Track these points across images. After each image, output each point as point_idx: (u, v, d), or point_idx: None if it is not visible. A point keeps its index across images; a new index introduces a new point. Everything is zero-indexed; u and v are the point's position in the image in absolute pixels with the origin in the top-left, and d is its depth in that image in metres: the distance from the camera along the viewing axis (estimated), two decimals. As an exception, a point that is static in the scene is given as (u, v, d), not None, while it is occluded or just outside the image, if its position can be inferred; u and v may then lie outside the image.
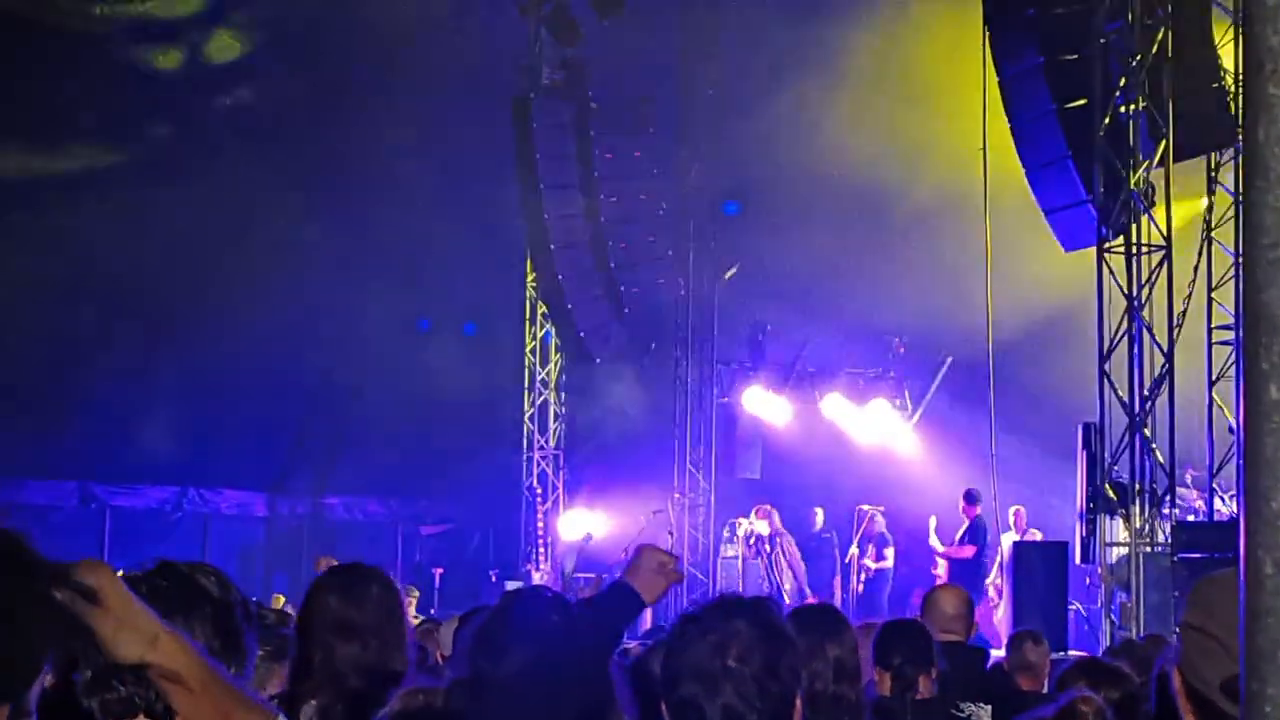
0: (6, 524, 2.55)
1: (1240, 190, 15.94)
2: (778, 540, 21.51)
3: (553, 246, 22.95)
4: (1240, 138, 15.56)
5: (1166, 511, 16.34)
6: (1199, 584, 3.15)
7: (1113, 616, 16.15)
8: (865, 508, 22.29)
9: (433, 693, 4.87)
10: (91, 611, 2.86)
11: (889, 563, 21.95)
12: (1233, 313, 16.95)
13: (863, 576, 21.97)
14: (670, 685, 3.39)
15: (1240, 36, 16.08)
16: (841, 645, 5.44)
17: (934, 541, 19.87)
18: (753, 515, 21.84)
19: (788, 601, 19.72)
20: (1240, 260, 16.02)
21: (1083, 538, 16.47)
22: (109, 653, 2.92)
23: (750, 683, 3.31)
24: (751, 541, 21.69)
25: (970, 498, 19.51)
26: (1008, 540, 19.16)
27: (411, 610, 18.58)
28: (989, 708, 6.90)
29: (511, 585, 22.78)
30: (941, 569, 20.25)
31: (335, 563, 16.19)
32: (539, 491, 24.73)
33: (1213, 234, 17.07)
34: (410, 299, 24.16)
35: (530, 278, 24.47)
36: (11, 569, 2.55)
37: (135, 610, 2.91)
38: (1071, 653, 14.62)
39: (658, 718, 3.50)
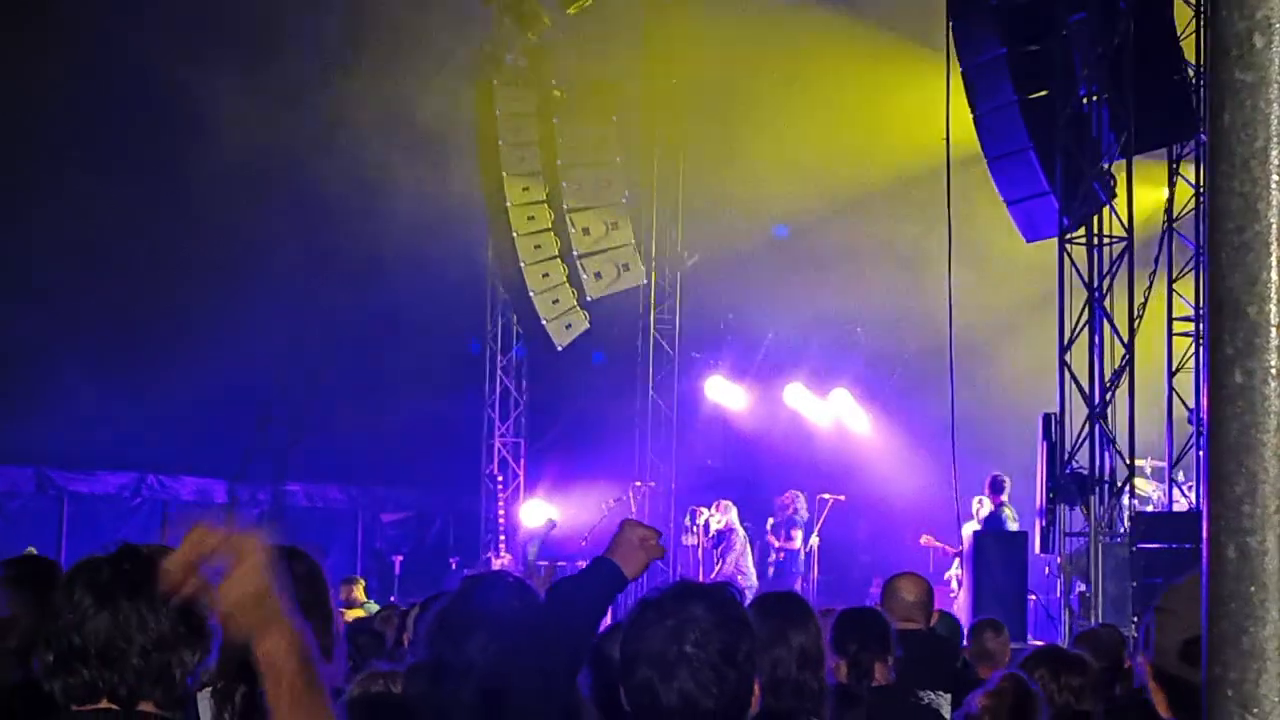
0: None
1: (1201, 182, 16.10)
2: (732, 535, 21.53)
3: (515, 233, 22.94)
4: (1202, 129, 15.72)
5: (1125, 502, 16.45)
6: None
7: (1071, 606, 16.24)
8: (825, 496, 22.33)
9: (392, 677, 4.87)
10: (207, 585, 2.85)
11: (796, 544, 21.88)
12: (1193, 304, 17.05)
13: (772, 559, 21.98)
14: (627, 669, 3.40)
15: (1202, 27, 16.20)
16: (806, 633, 5.45)
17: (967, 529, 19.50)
18: (712, 508, 21.86)
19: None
20: (1203, 248, 16.13)
21: (1042, 527, 16.55)
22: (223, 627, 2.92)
23: (707, 669, 3.32)
24: (710, 534, 21.72)
25: (996, 485, 19.38)
26: (968, 530, 19.21)
27: (360, 595, 18.57)
28: (949, 695, 6.94)
29: (469, 572, 22.83)
30: (955, 572, 20.09)
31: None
32: (500, 479, 24.71)
33: (1174, 225, 17.15)
34: (370, 284, 24.08)
35: (491, 264, 24.43)
36: None
37: (257, 591, 2.88)
38: (1032, 641, 14.70)
39: (615, 702, 3.50)
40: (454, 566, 23.18)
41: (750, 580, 21.12)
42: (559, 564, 23.04)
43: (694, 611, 3.39)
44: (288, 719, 2.87)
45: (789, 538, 21.95)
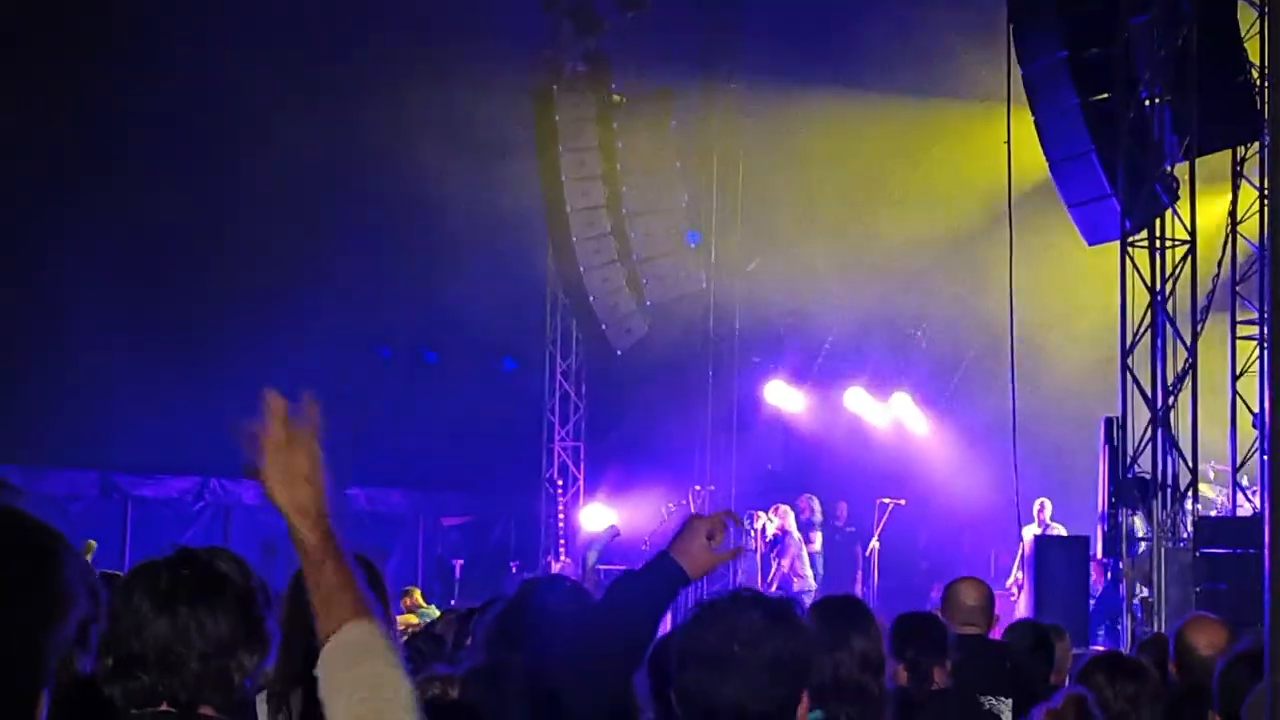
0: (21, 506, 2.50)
1: (1264, 184, 15.96)
2: (787, 539, 21.52)
3: (574, 239, 22.95)
4: (1266, 131, 15.57)
5: (1188, 507, 16.31)
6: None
7: (1134, 612, 16.11)
8: (885, 500, 22.28)
9: (449, 680, 4.87)
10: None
11: (816, 545, 21.94)
12: (1256, 306, 16.90)
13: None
14: (680, 669, 3.41)
15: (1266, 28, 16.06)
16: (867, 637, 5.43)
17: (1027, 532, 19.42)
18: (770, 512, 21.87)
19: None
20: (1264, 252, 15.99)
21: (1104, 532, 16.43)
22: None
23: (758, 673, 3.33)
24: (767, 538, 21.73)
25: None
26: (1029, 533, 19.12)
27: (419, 601, 18.66)
28: (1009, 701, 6.90)
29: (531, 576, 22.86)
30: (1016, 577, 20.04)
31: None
32: (560, 484, 24.73)
33: (1238, 228, 16.99)
34: (432, 289, 24.14)
35: (551, 268, 24.45)
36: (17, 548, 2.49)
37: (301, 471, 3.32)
38: (1094, 647, 14.60)
39: (668, 702, 3.51)
40: (514, 570, 23.20)
41: (808, 584, 21.14)
42: (616, 569, 23.08)
43: (750, 616, 3.40)
44: (325, 599, 3.15)
45: (809, 540, 21.96)
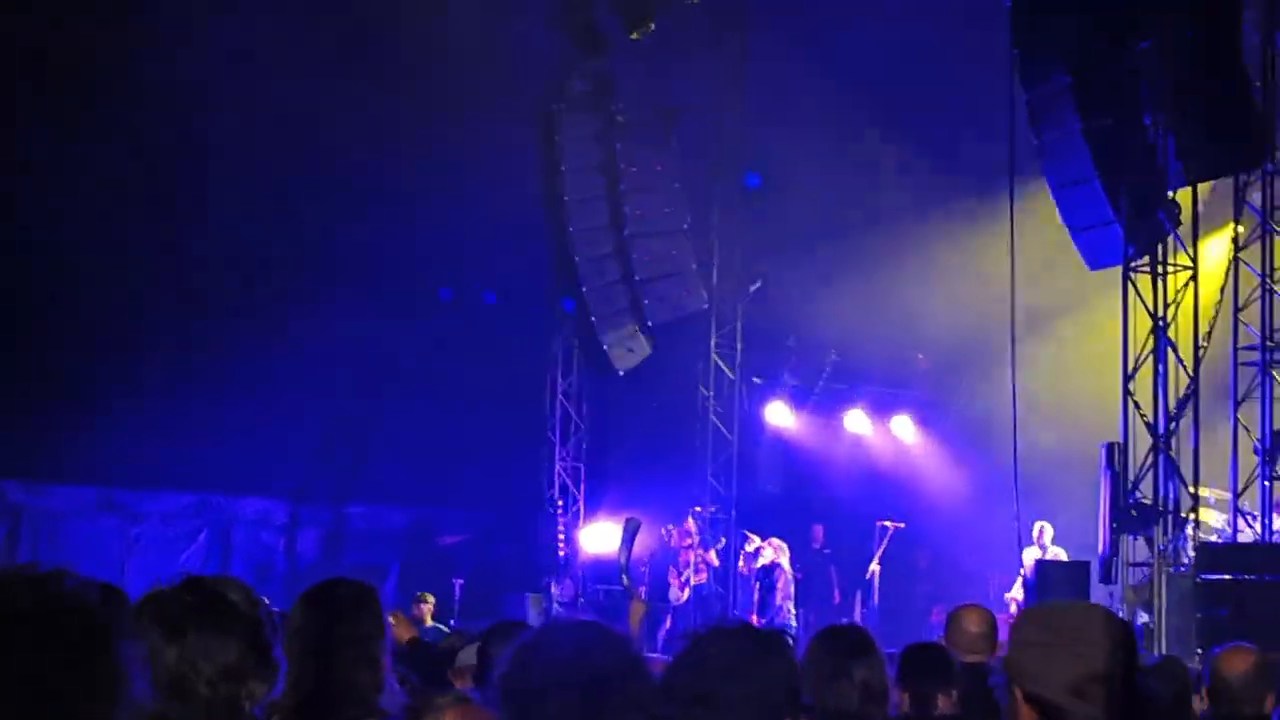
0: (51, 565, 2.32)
1: (1267, 211, 16.00)
2: (777, 571, 21.55)
3: (576, 259, 22.98)
4: (1269, 158, 15.61)
5: (1189, 532, 16.32)
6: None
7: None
8: (886, 523, 22.28)
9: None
10: None
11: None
12: (1258, 333, 16.91)
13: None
14: (668, 701, 3.40)
15: (1269, 56, 16.13)
16: (870, 667, 5.43)
17: (1028, 555, 19.45)
18: (766, 542, 21.88)
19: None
20: (1269, 278, 16.01)
21: (1105, 557, 16.43)
22: None
23: (741, 704, 3.32)
24: (757, 564, 21.76)
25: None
26: (1030, 556, 19.12)
27: (428, 616, 18.64)
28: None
29: (532, 596, 22.82)
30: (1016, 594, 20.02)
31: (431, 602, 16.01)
32: (560, 503, 24.73)
33: (1239, 254, 17.01)
34: (433, 307, 24.18)
35: (553, 288, 24.45)
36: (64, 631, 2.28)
37: None
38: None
39: None
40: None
41: (789, 620, 21.21)
42: (606, 588, 23.14)
43: (737, 646, 3.39)
44: None
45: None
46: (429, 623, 18.32)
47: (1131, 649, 3.57)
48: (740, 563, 22.58)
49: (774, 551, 21.62)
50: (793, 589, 21.66)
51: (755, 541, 22.08)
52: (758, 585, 21.72)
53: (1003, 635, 12.63)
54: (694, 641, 3.47)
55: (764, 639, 3.47)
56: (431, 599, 19.66)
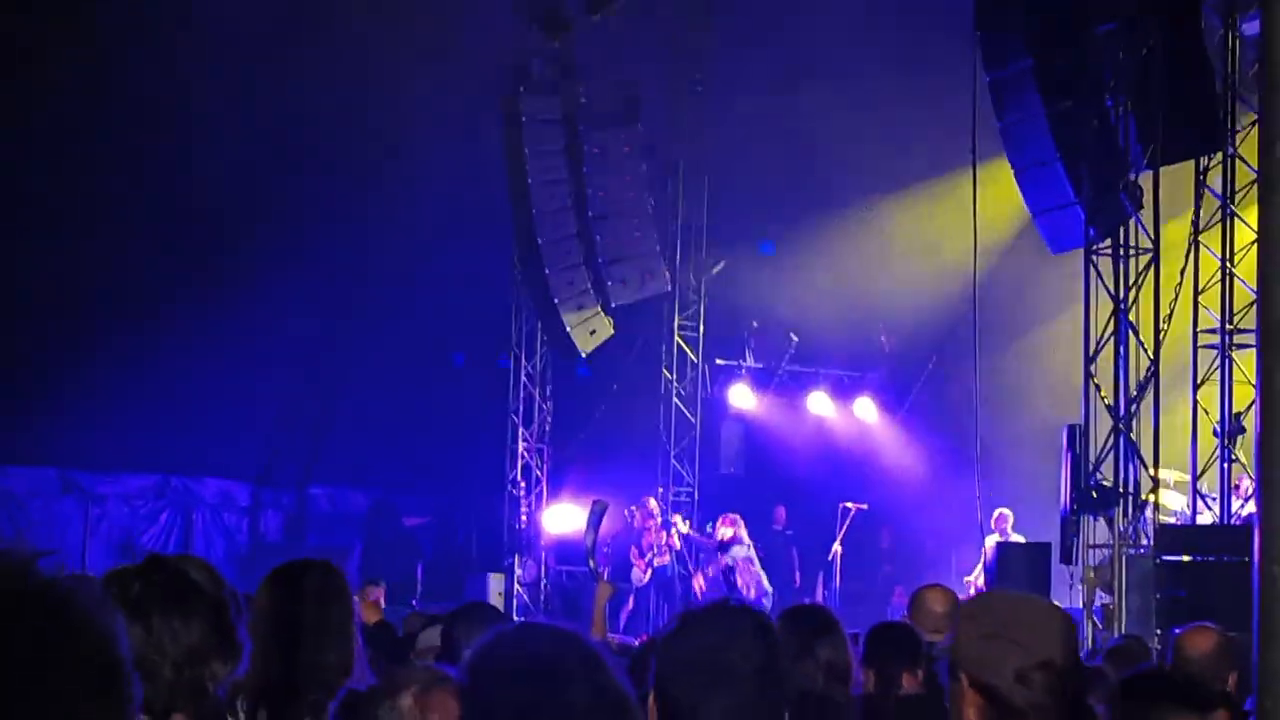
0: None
1: (1228, 197, 16.07)
2: (734, 549, 21.58)
3: (540, 240, 22.92)
4: (1230, 142, 15.67)
5: (1149, 514, 16.39)
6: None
7: (1095, 618, 16.19)
8: (848, 505, 22.31)
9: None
10: None
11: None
12: (1217, 317, 16.99)
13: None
14: (665, 681, 3.36)
15: (1232, 40, 16.20)
16: (833, 646, 5.44)
17: (989, 540, 19.50)
18: (719, 521, 21.93)
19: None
20: (1229, 262, 16.10)
21: (1065, 539, 16.50)
22: None
23: (747, 684, 3.29)
24: (717, 541, 21.82)
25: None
26: (991, 542, 19.18)
27: (380, 600, 18.55)
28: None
29: (494, 577, 22.81)
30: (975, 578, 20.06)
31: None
32: (523, 485, 24.70)
33: (1200, 238, 17.07)
34: (395, 290, 24.13)
35: (516, 270, 24.40)
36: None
37: None
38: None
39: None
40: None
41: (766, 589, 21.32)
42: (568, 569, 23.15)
43: (739, 625, 3.36)
44: None
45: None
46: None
47: (1072, 638, 3.71)
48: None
49: (731, 527, 21.60)
50: (756, 565, 21.65)
51: (723, 531, 22.14)
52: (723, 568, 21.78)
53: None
54: (692, 616, 3.43)
55: (761, 617, 3.44)
56: (382, 584, 19.56)
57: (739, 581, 21.31)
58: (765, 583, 21.51)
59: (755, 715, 3.29)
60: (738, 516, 21.80)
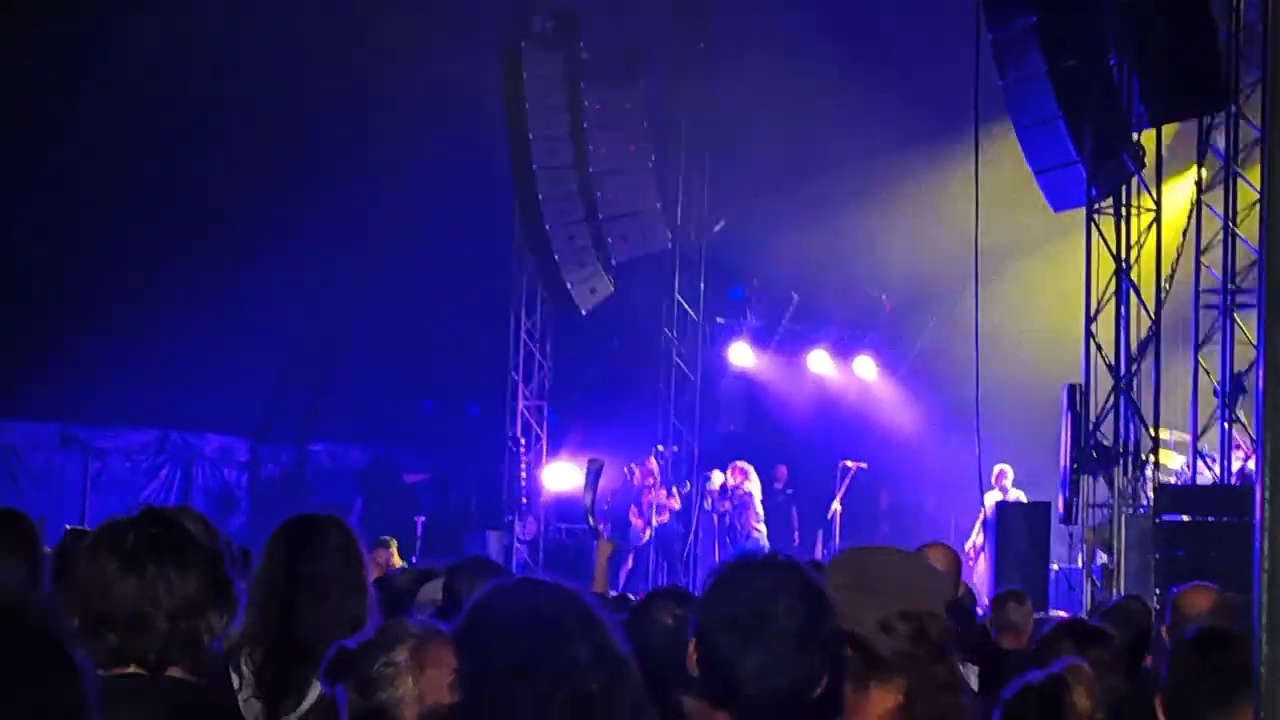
0: None
1: (1230, 156, 16.01)
2: (746, 498, 21.67)
3: (540, 196, 22.86)
4: (1233, 100, 15.60)
5: (1149, 474, 16.39)
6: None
7: (1094, 577, 16.21)
8: (848, 463, 22.30)
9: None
10: None
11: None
12: (1219, 276, 16.95)
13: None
14: (705, 630, 3.30)
15: (1232, 14, 16.13)
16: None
17: (989, 497, 19.53)
18: (728, 471, 22.04)
19: None
20: (1231, 222, 16.05)
21: (1066, 498, 16.51)
22: None
23: (788, 641, 3.23)
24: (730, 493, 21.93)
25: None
26: (991, 499, 19.18)
27: (395, 559, 18.57)
28: (976, 667, 6.91)
29: (494, 534, 22.82)
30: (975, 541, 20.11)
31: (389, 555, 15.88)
32: (523, 442, 24.69)
33: (1203, 197, 17.03)
34: (396, 246, 24.06)
35: (517, 227, 24.34)
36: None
37: None
38: (1053, 612, 14.67)
39: (655, 672, 3.41)
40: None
41: (763, 539, 21.40)
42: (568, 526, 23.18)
43: (785, 579, 3.30)
44: None
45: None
46: (398, 562, 18.26)
47: (941, 591, 3.93)
48: (707, 502, 22.62)
49: (740, 476, 21.75)
50: (761, 513, 21.77)
51: (718, 478, 22.20)
52: (728, 506, 21.83)
53: (966, 576, 12.71)
54: (734, 568, 3.38)
55: (803, 574, 3.37)
56: (394, 541, 19.59)
57: (736, 525, 21.45)
58: (762, 539, 21.55)
59: (795, 673, 3.22)
60: (749, 468, 21.91)
